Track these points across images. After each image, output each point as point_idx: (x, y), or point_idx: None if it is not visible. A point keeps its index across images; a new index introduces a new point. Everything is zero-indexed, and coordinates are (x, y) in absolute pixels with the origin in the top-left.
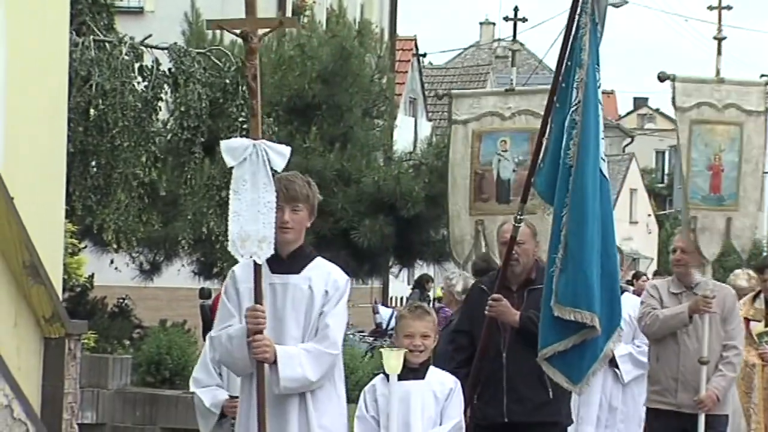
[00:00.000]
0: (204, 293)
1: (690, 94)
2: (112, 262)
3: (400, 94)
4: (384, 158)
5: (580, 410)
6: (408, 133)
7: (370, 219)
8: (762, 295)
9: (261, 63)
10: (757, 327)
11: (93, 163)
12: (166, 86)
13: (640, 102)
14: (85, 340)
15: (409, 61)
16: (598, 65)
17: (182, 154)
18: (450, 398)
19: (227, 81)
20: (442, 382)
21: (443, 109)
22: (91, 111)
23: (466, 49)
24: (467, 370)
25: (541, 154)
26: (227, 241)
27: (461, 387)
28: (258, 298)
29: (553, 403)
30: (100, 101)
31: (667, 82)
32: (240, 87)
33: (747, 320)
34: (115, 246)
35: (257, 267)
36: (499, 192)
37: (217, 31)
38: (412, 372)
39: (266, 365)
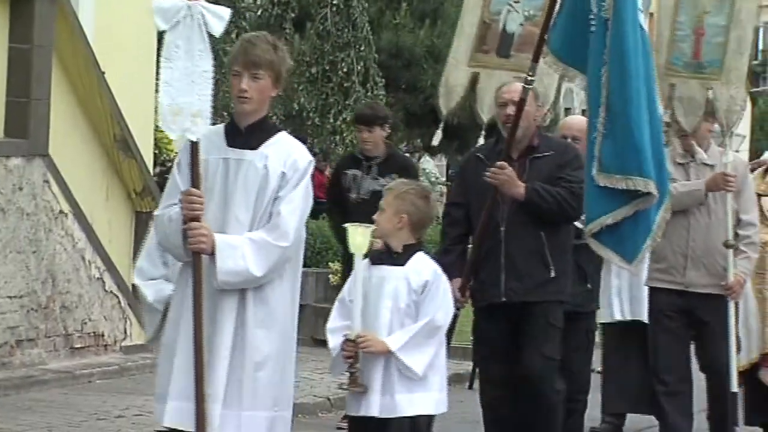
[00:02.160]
0: None
1: None
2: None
3: None
4: None
5: (633, 289)
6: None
7: None
8: None
9: None
10: None
11: None
12: None
13: None
14: None
15: None
16: None
17: (272, 30)
18: (426, 292)
19: None
20: (419, 272)
21: None
22: None
23: None
24: (463, 247)
25: (556, 9)
26: (318, 117)
27: (446, 280)
28: (195, 180)
29: (555, 281)
30: None
31: None
32: None
33: (758, 195)
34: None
35: (194, 145)
36: (501, 45)
37: None
38: (392, 256)
39: (205, 255)
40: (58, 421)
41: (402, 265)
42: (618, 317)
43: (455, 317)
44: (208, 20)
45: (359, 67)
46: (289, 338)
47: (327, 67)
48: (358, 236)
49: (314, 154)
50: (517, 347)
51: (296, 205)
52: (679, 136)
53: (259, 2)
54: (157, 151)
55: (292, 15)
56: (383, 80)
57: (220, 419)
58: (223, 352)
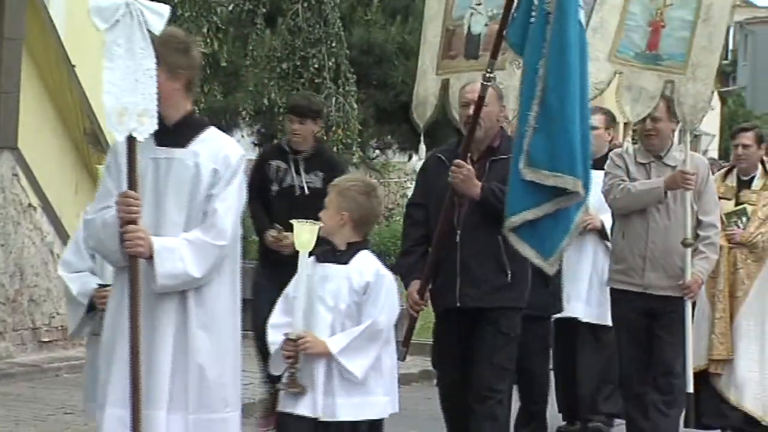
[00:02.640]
0: None
1: None
2: None
3: None
4: None
5: (568, 286)
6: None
7: None
8: (734, 172)
9: None
10: (727, 206)
11: None
12: None
13: None
14: None
15: None
16: None
17: (244, 25)
18: (368, 294)
19: None
20: (361, 272)
21: None
22: None
23: None
24: (424, 248)
25: (515, 3)
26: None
27: (390, 280)
28: (132, 182)
29: (512, 287)
30: None
31: None
32: None
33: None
34: None
35: (130, 144)
36: (467, 46)
37: None
38: (335, 254)
39: (142, 259)
40: (25, 414)
41: (345, 263)
42: (570, 315)
43: (413, 319)
44: (148, 18)
45: (330, 63)
46: (232, 337)
47: (298, 63)
48: (305, 233)
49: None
50: (471, 354)
51: (231, 203)
52: (642, 135)
53: None
54: None
55: (264, 10)
56: (354, 76)
57: (166, 425)
58: (165, 357)
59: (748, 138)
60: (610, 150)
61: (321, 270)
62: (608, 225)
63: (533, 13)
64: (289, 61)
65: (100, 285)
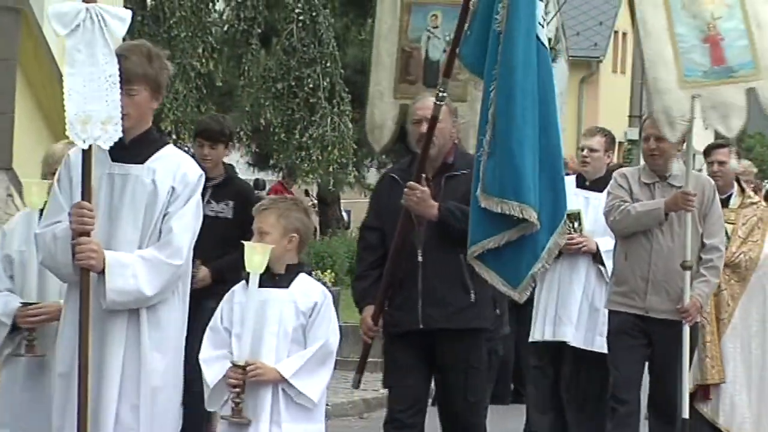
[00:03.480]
0: (259, 185)
1: None
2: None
3: None
4: None
5: (559, 310)
6: None
7: None
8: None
9: None
10: None
11: None
12: None
13: None
14: None
15: None
16: None
17: (238, 46)
18: (316, 314)
19: None
20: (306, 294)
21: None
22: (149, 1)
23: None
24: (380, 272)
25: (468, 20)
26: (283, 132)
27: (332, 300)
28: (86, 193)
29: (475, 307)
30: None
31: None
32: None
33: None
34: (174, 136)
35: (86, 154)
36: (426, 74)
37: None
38: (274, 279)
39: (93, 274)
40: None
41: (286, 287)
42: (538, 337)
43: (368, 346)
44: (109, 23)
45: (325, 83)
46: (180, 361)
47: (293, 83)
48: (256, 255)
49: (280, 170)
50: (440, 383)
51: (188, 221)
52: (647, 155)
53: (225, 18)
54: None
55: (259, 31)
56: (349, 96)
57: None
58: (114, 378)
59: (723, 154)
60: (608, 172)
61: (258, 295)
62: (604, 248)
63: (489, 34)
64: (284, 81)
65: (23, 303)
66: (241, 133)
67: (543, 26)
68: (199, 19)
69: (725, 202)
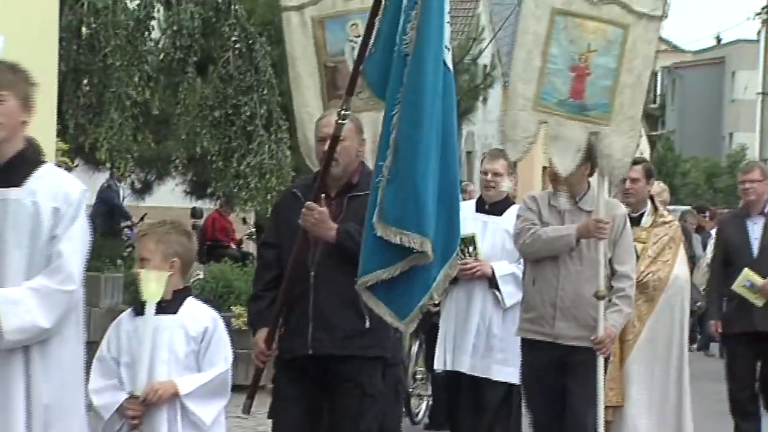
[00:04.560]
0: (196, 213)
1: None
2: (111, 178)
3: None
4: None
5: (456, 338)
6: None
7: None
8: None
9: None
10: None
11: (85, 82)
12: (158, 5)
13: None
14: None
15: None
16: None
17: (175, 74)
18: (207, 340)
19: (219, 0)
20: (196, 319)
21: None
22: (83, 30)
23: None
24: (277, 293)
25: (372, 37)
26: (221, 160)
27: (224, 325)
28: None
29: (370, 333)
30: (92, 20)
31: None
32: (232, 6)
33: None
34: (109, 165)
35: None
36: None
37: None
38: (161, 305)
39: None
40: None
41: (174, 313)
42: (439, 367)
43: (260, 370)
44: None
45: (262, 111)
46: (79, 390)
47: (230, 111)
48: (152, 282)
49: (217, 198)
50: (330, 413)
51: (77, 243)
52: (553, 179)
53: (161, 46)
54: None
55: (195, 59)
56: (287, 123)
57: None
58: (19, 417)
59: (636, 172)
60: (508, 196)
61: (146, 323)
62: (500, 273)
63: (395, 55)
64: (221, 109)
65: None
66: (178, 161)
67: (449, 49)
68: (135, 48)
69: (637, 221)
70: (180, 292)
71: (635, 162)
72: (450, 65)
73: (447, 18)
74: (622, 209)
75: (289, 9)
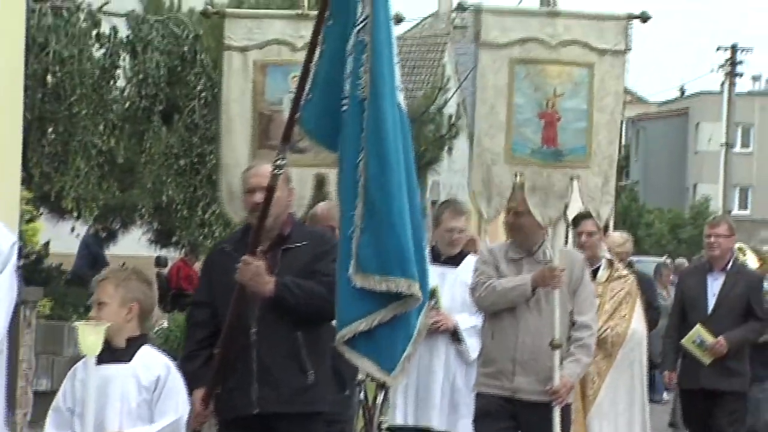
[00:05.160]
0: (161, 261)
1: (507, 29)
2: (73, 229)
3: None
4: None
5: (420, 392)
6: None
7: None
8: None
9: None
10: None
11: (51, 131)
12: (123, 54)
13: None
14: (41, 308)
15: None
16: None
17: (140, 122)
18: (160, 389)
19: (185, 49)
20: (149, 368)
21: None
22: (49, 78)
23: (424, 19)
24: (210, 352)
25: (309, 83)
26: (186, 209)
27: (179, 373)
28: None
29: (314, 388)
30: (58, 68)
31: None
32: (198, 55)
33: None
34: (75, 214)
35: None
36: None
37: None
38: (114, 353)
39: None
40: None
41: (127, 361)
42: (400, 422)
43: None
44: None
45: None
46: None
47: (195, 160)
48: (90, 335)
49: (182, 247)
50: None
51: (4, 295)
52: (509, 229)
53: (126, 95)
54: (21, 243)
55: (160, 107)
56: None
57: None
58: None
59: (591, 225)
60: (464, 248)
61: (98, 371)
62: (463, 326)
63: (345, 101)
64: (186, 158)
65: None
66: (143, 209)
67: (401, 90)
68: (101, 96)
69: (593, 275)
70: (135, 339)
71: (589, 216)
72: (403, 106)
73: (396, 59)
74: (580, 257)
75: (233, 49)
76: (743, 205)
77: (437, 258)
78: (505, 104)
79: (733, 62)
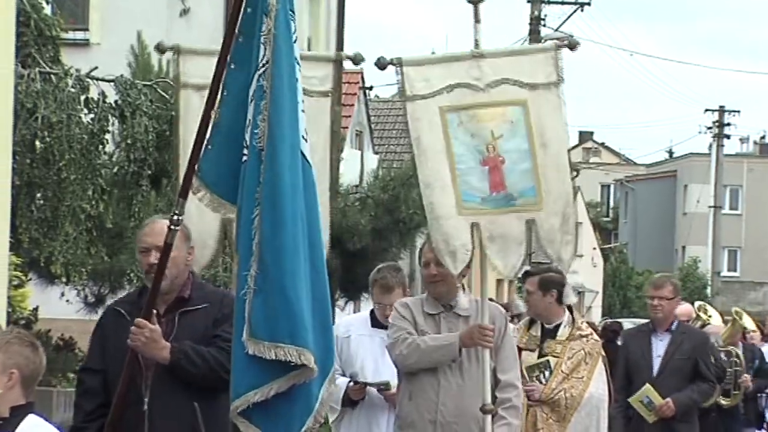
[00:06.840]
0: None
1: (432, 78)
2: (62, 295)
3: (347, 127)
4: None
5: None
6: (354, 166)
7: None
8: (539, 322)
9: None
10: (530, 358)
11: (39, 196)
12: (112, 118)
13: (585, 136)
14: None
15: (355, 94)
16: (293, 12)
17: (129, 187)
18: None
19: (173, 113)
20: None
21: (389, 142)
22: (37, 144)
23: None
24: (101, 423)
25: (209, 132)
26: None
27: None
28: None
29: None
30: (47, 134)
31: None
32: None
33: (519, 350)
34: (64, 279)
35: None
36: None
37: (164, 63)
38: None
39: None
40: None
41: (13, 430)
42: None
43: None
44: None
45: None
46: None
47: None
48: None
49: None
50: None
51: None
52: (428, 283)
53: (115, 159)
54: (10, 309)
55: (149, 172)
56: None
57: None
58: None
59: (530, 284)
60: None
61: None
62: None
63: (245, 151)
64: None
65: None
66: (132, 274)
67: (306, 140)
68: (89, 161)
69: (552, 333)
70: (19, 408)
71: (534, 273)
72: (309, 157)
73: (301, 106)
74: (501, 311)
75: (189, 87)
76: (732, 266)
77: (376, 322)
78: (446, 155)
79: (720, 124)
